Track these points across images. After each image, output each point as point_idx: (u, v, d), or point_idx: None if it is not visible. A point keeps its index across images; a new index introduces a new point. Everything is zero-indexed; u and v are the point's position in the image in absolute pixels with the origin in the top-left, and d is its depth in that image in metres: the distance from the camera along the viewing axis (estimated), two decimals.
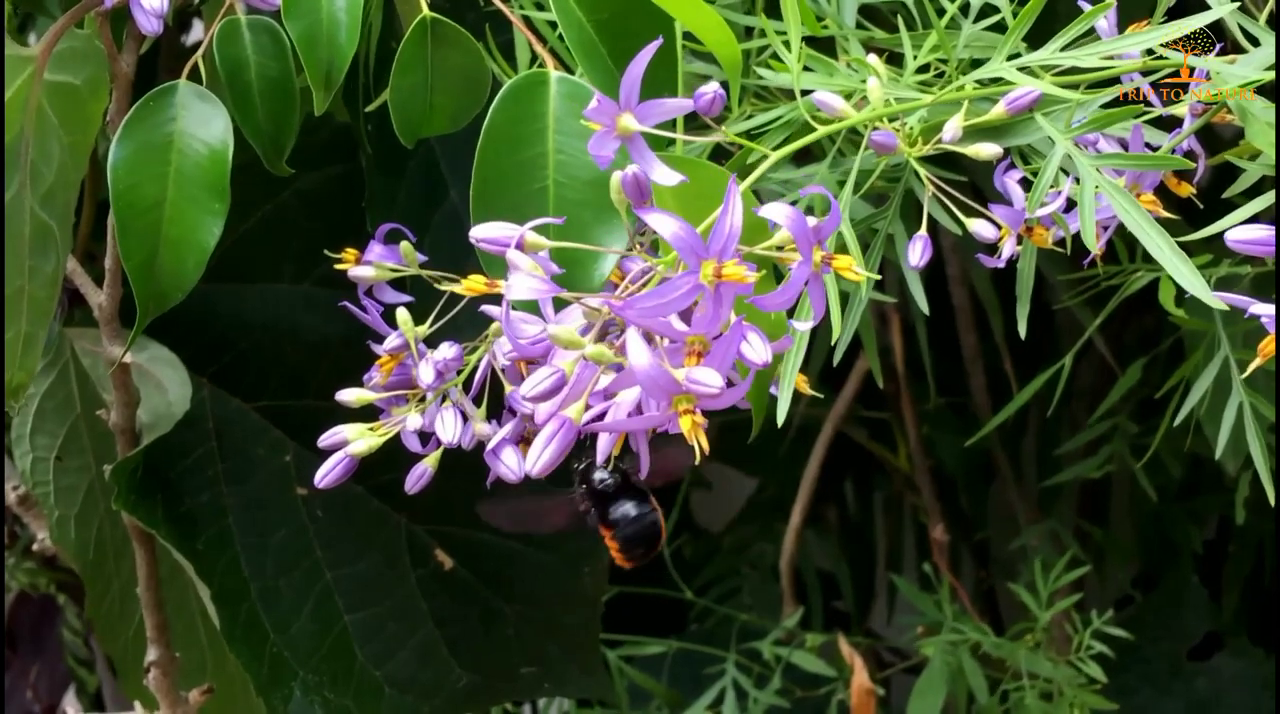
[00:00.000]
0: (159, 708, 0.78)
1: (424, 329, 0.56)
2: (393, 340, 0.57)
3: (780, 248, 0.47)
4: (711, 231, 0.45)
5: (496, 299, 0.49)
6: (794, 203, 0.55)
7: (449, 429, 0.55)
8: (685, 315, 0.46)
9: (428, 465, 0.56)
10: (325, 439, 0.55)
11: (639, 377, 0.45)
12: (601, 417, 0.48)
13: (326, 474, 0.55)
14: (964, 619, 1.00)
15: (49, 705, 1.27)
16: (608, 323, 0.47)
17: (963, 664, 0.97)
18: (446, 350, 0.55)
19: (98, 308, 0.71)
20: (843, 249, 0.52)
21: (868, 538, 1.42)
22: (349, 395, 0.56)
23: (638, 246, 0.50)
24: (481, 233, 0.49)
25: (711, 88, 0.50)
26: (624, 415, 0.48)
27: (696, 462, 0.47)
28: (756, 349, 0.45)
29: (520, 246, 0.49)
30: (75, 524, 0.83)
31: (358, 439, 0.54)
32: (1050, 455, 1.20)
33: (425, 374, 0.55)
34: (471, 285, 0.50)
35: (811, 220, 0.47)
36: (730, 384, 0.46)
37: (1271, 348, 0.46)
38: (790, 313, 0.49)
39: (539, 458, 0.47)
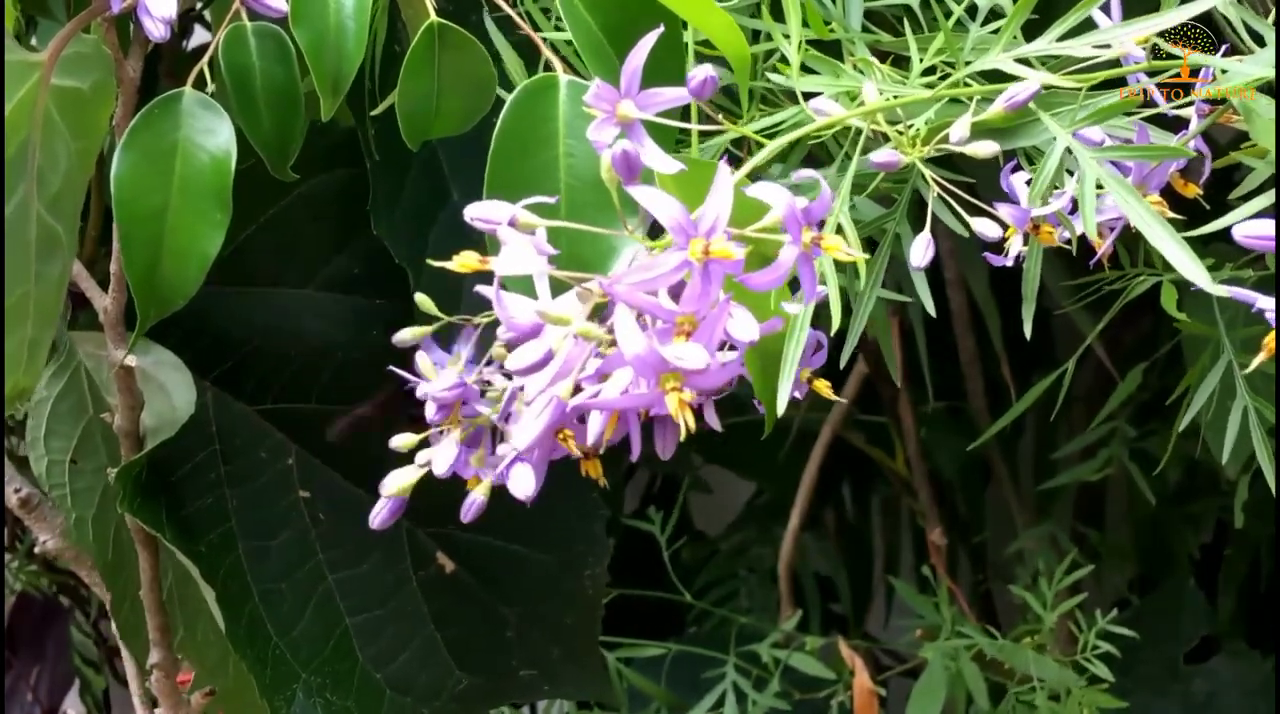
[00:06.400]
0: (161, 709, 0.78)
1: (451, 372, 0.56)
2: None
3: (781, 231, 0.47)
4: (700, 210, 0.45)
5: (490, 279, 0.49)
6: None
7: (441, 462, 0.55)
8: (676, 296, 0.46)
9: (478, 495, 0.55)
10: (384, 488, 0.55)
11: (626, 353, 0.45)
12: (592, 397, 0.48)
13: (376, 515, 0.55)
14: (962, 622, 1.01)
15: (50, 708, 1.26)
16: (604, 307, 0.47)
17: (961, 668, 0.97)
18: (444, 380, 0.55)
19: (103, 312, 0.71)
20: None
21: (865, 541, 1.42)
22: (399, 441, 0.56)
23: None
24: (477, 211, 0.49)
25: (703, 70, 0.48)
26: (616, 394, 0.48)
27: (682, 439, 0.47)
28: (743, 326, 0.45)
29: (514, 225, 0.48)
30: (93, 525, 0.82)
31: (393, 479, 0.54)
32: (1047, 459, 1.20)
33: (429, 410, 0.55)
34: (465, 263, 0.50)
35: (803, 201, 0.46)
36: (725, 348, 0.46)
37: (1274, 346, 0.46)
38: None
39: (525, 431, 0.47)
